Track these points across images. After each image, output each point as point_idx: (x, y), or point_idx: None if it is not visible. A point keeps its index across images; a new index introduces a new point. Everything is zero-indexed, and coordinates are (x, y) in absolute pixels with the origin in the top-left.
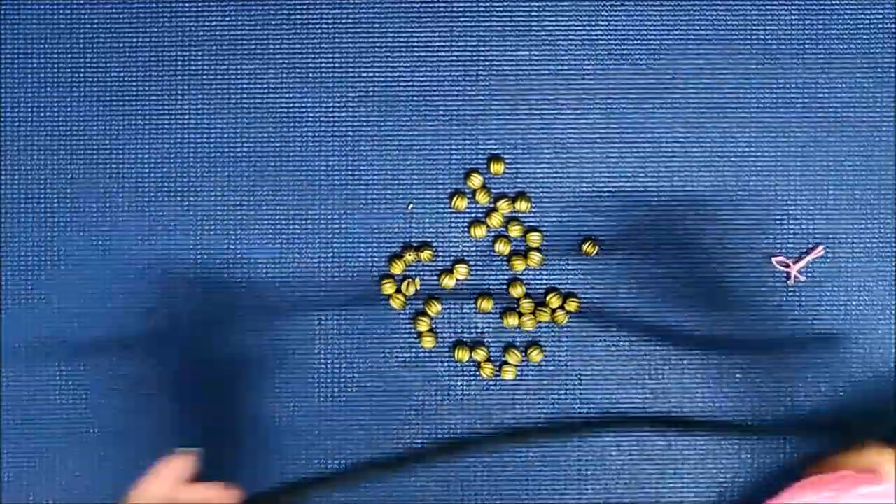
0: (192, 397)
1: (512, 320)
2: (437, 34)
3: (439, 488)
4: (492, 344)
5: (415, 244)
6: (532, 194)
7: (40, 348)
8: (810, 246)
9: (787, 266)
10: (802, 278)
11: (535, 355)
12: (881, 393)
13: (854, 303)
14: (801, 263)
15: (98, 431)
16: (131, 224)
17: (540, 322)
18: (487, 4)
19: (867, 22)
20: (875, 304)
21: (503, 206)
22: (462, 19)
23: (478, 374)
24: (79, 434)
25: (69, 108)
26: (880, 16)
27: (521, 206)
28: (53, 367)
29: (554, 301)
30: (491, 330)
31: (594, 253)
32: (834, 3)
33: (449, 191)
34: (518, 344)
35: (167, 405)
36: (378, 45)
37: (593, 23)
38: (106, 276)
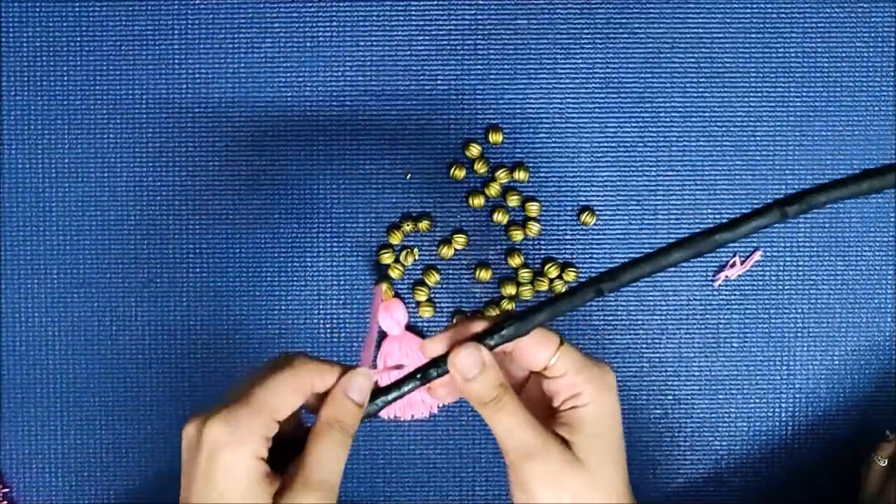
0: (190, 370)
1: (510, 290)
2: (435, 3)
3: (437, 453)
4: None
5: (413, 214)
6: (530, 164)
7: (39, 318)
8: (752, 249)
9: (732, 266)
10: (731, 276)
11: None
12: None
13: (853, 272)
14: (738, 271)
15: (97, 404)
16: (129, 193)
17: (538, 292)
18: None
19: None
20: (876, 274)
21: (501, 176)
22: None
23: None
24: (77, 412)
25: (66, 77)
26: None
27: (520, 175)
28: (52, 336)
29: (552, 271)
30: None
31: (592, 223)
32: None
33: (447, 161)
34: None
35: (165, 379)
36: (376, 13)
37: None
38: (104, 246)
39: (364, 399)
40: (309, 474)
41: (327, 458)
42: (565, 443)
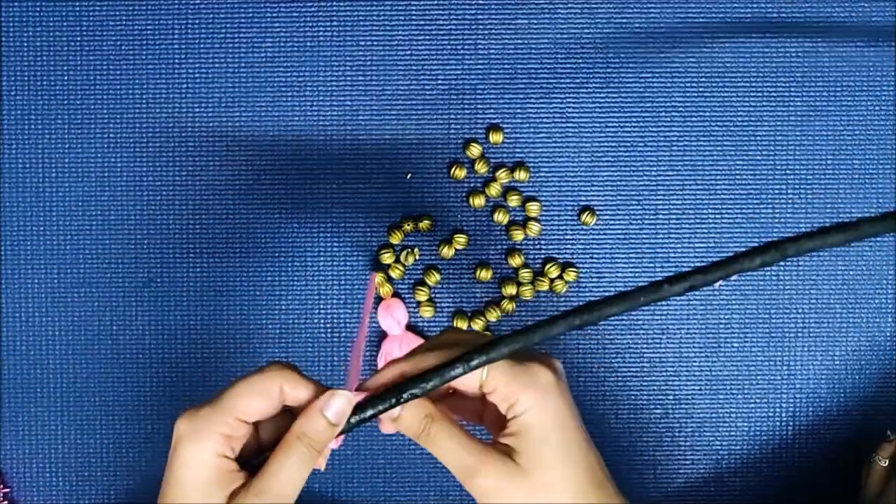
0: (190, 370)
1: (510, 290)
2: (435, 3)
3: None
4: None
5: (413, 214)
6: (531, 164)
7: (39, 318)
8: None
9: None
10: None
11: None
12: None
13: (853, 272)
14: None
15: (97, 404)
16: (129, 193)
17: (538, 292)
18: None
19: None
20: (877, 274)
21: (502, 175)
22: None
23: None
24: (77, 412)
25: (66, 77)
26: None
27: (520, 175)
28: (52, 336)
29: (552, 271)
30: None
31: (593, 223)
32: None
33: (448, 161)
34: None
35: (165, 379)
36: (376, 13)
37: None
38: (104, 246)
39: (339, 421)
40: (264, 482)
41: (286, 471)
42: (508, 453)
